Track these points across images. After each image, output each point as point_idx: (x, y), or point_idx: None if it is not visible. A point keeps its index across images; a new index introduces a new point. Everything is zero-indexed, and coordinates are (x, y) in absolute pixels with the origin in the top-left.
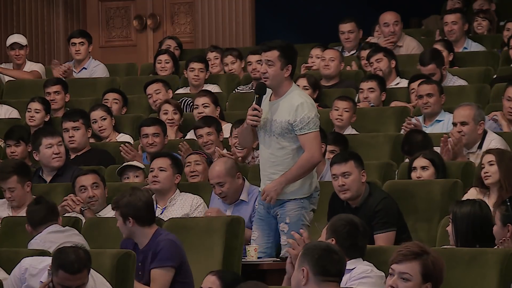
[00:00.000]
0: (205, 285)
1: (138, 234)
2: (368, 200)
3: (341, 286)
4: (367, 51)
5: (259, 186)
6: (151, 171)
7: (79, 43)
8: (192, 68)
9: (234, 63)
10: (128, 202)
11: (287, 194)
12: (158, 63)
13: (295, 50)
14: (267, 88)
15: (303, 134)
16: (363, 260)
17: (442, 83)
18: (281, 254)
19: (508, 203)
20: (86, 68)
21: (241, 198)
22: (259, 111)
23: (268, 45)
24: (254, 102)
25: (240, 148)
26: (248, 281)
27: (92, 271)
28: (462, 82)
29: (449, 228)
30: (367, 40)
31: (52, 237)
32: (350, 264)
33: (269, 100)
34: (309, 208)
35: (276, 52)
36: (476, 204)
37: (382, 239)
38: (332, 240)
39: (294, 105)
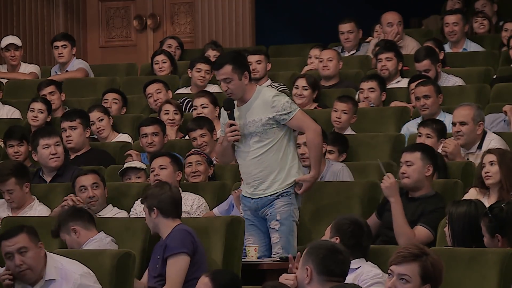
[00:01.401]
0: (198, 287)
1: (161, 226)
2: (431, 199)
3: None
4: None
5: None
6: (152, 171)
7: (62, 46)
8: (199, 68)
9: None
10: (153, 193)
11: (276, 186)
12: (155, 63)
13: (244, 57)
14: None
15: (291, 118)
16: (366, 261)
17: (438, 82)
18: (273, 253)
19: (490, 214)
20: (68, 71)
21: None
22: (236, 125)
23: (219, 62)
24: (228, 118)
25: None
26: (273, 281)
27: (61, 257)
28: (457, 80)
29: (446, 229)
30: (366, 40)
31: (109, 240)
32: (353, 264)
33: (237, 106)
34: (296, 204)
35: (229, 66)
36: (472, 204)
37: (422, 231)
38: (336, 239)
39: (268, 100)
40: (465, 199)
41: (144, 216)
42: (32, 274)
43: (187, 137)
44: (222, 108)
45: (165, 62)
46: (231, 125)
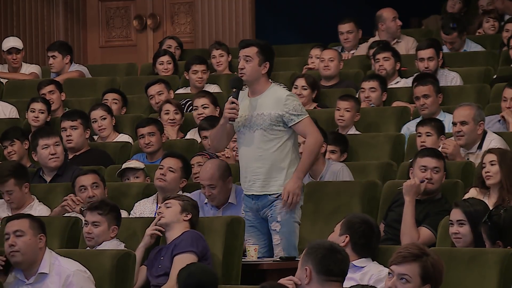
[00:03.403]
0: None
1: (178, 227)
2: (438, 202)
3: (355, 284)
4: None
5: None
6: (161, 168)
7: (52, 56)
8: (195, 70)
9: None
10: (193, 201)
11: (275, 188)
12: (160, 64)
13: (273, 50)
14: (243, 84)
15: (299, 121)
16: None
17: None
18: (274, 254)
19: (489, 223)
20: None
21: (229, 201)
22: (237, 104)
23: (247, 42)
24: (232, 96)
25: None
26: (270, 281)
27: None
28: (454, 75)
29: (463, 229)
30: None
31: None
32: (359, 263)
33: (248, 97)
34: (298, 204)
35: (255, 48)
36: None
37: (425, 233)
38: (346, 237)
39: (281, 97)
40: (473, 198)
41: (145, 216)
42: (21, 258)
43: (187, 136)
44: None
45: (170, 63)
46: (233, 102)
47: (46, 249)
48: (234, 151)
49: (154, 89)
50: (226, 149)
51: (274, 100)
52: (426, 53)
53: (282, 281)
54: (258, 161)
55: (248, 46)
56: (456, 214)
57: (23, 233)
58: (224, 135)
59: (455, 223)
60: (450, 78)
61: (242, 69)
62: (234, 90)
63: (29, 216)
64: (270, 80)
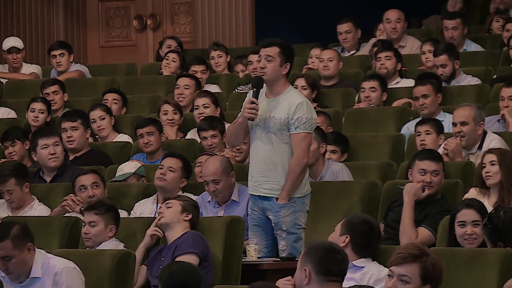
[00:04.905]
0: None
1: (178, 227)
2: (438, 202)
3: (355, 283)
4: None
5: (247, 186)
6: (161, 167)
7: (59, 54)
8: (194, 70)
9: (244, 71)
10: (194, 203)
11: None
12: (166, 59)
13: (293, 51)
14: (263, 84)
15: (295, 133)
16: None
17: (455, 79)
18: (280, 256)
19: (489, 225)
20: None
21: (232, 198)
22: (257, 104)
23: (269, 41)
24: (251, 95)
25: (238, 153)
26: (259, 281)
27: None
28: (474, 80)
29: (478, 230)
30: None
31: (121, 247)
32: (359, 263)
33: (266, 97)
34: (303, 209)
35: (277, 48)
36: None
37: (424, 233)
38: (347, 237)
39: (294, 103)
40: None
41: (145, 216)
42: (17, 275)
43: (187, 136)
44: (249, 92)
45: (174, 61)
46: (253, 102)
47: (36, 252)
48: (233, 152)
49: (183, 81)
50: (225, 149)
51: (287, 105)
52: (438, 60)
53: (280, 281)
54: (266, 163)
55: (270, 45)
56: (470, 214)
57: (10, 257)
58: (241, 132)
59: (468, 224)
60: (466, 83)
61: (263, 68)
62: (254, 89)
63: (8, 234)
64: (289, 83)
